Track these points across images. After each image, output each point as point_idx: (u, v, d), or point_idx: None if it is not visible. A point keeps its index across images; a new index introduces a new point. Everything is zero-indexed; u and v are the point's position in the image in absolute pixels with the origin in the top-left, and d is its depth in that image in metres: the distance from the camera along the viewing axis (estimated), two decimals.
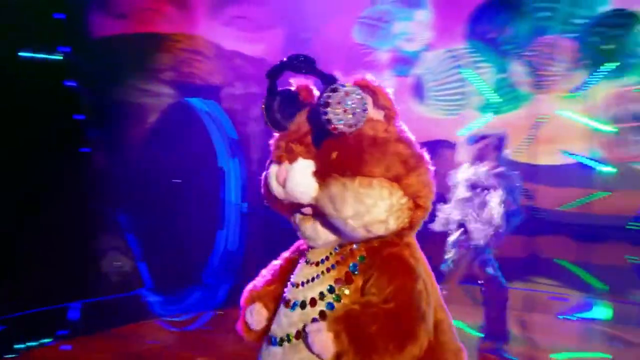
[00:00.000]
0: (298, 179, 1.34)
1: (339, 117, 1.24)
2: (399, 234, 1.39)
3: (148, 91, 7.02)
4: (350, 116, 1.24)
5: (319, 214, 1.38)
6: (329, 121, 1.24)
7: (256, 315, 1.55)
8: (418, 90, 7.28)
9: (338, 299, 1.36)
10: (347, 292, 1.36)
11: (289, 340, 1.38)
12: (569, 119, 6.62)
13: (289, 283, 1.50)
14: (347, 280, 1.37)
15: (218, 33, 7.25)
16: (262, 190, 1.53)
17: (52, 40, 5.86)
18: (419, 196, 1.36)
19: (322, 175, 1.33)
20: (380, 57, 7.83)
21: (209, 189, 7.45)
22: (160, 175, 6.76)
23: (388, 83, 1.47)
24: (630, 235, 5.96)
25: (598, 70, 6.30)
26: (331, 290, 1.38)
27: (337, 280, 1.38)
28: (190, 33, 7.12)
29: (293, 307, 1.42)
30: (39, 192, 5.42)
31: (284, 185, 1.36)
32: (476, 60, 6.75)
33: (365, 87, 1.33)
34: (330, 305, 1.36)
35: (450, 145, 7.57)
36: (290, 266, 1.61)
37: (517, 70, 6.79)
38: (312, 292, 1.40)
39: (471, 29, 7.07)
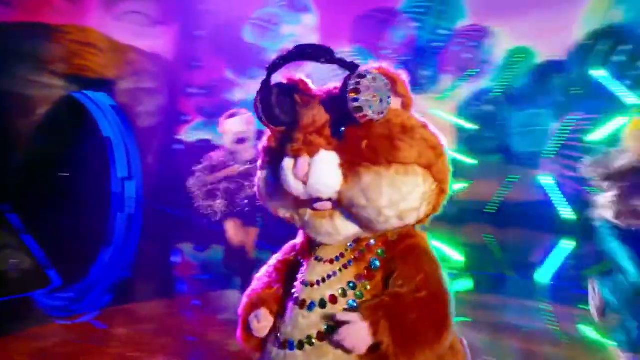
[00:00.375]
0: (323, 171, 1.24)
1: (369, 104, 1.17)
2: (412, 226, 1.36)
3: (37, 82, 6.79)
4: (379, 102, 1.19)
5: (341, 208, 1.30)
6: (359, 108, 1.17)
7: (263, 321, 1.41)
8: None
9: (361, 295, 1.30)
10: (368, 287, 1.30)
11: (310, 343, 1.28)
12: (440, 118, 7.51)
13: (298, 283, 1.40)
14: (369, 275, 1.31)
15: (111, 26, 7.19)
16: (257, 190, 1.43)
17: None
18: (445, 181, 1.33)
19: (351, 166, 1.25)
20: (270, 57, 8.03)
21: (99, 183, 7.40)
22: (49, 168, 6.65)
23: (403, 71, 1.40)
24: (487, 218, 7.01)
25: (461, 75, 7.24)
26: (353, 286, 1.31)
27: (357, 277, 1.32)
28: (82, 25, 7.00)
29: (311, 308, 1.32)
30: None
31: (305, 181, 1.25)
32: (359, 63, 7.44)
33: (384, 74, 1.25)
34: (353, 303, 1.29)
35: None
36: (286, 268, 1.52)
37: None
38: (330, 290, 1.32)
39: (354, 35, 7.76)
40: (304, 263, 1.43)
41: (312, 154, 1.23)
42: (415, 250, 1.32)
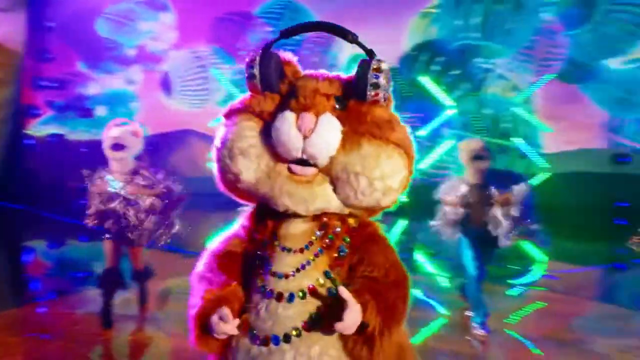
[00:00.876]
0: (328, 130, 1.26)
1: (384, 85, 1.27)
2: (368, 215, 1.43)
3: None
4: (389, 87, 1.30)
5: (325, 175, 1.30)
6: (376, 86, 1.26)
7: (231, 321, 1.33)
8: (165, 85, 8.16)
9: (335, 282, 1.33)
10: (340, 274, 1.35)
11: (298, 335, 1.29)
12: None
13: (268, 276, 1.36)
14: (339, 263, 1.36)
15: None
16: (223, 147, 1.38)
17: None
18: (409, 178, 1.40)
19: (353, 134, 1.29)
20: (128, 52, 8.47)
21: None
22: None
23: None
24: None
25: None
26: (327, 275, 1.34)
27: (330, 265, 1.35)
28: None
29: (291, 300, 1.31)
30: None
31: (307, 135, 1.25)
32: (216, 62, 8.09)
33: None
34: (333, 291, 1.31)
35: (198, 134, 8.78)
36: (234, 261, 1.45)
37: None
38: (307, 279, 1.32)
39: (212, 35, 8.26)
40: (265, 254, 1.37)
41: (318, 114, 1.25)
42: (377, 239, 1.39)
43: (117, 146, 3.83)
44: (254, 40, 8.37)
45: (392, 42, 8.90)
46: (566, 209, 7.80)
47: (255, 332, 1.29)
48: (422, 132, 8.02)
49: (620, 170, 8.06)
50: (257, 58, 1.28)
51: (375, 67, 1.24)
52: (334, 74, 1.35)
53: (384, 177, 1.26)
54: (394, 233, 7.23)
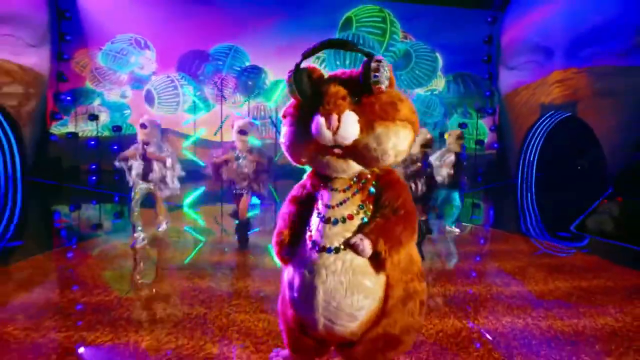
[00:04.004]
0: (349, 124, 1.54)
1: (384, 78, 1.53)
2: (389, 166, 1.73)
3: None
4: (387, 79, 1.56)
5: (353, 152, 1.61)
6: (378, 81, 1.53)
7: (284, 246, 1.79)
8: (149, 99, 10.32)
9: (367, 213, 1.70)
10: (371, 207, 1.71)
11: (340, 249, 1.65)
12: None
13: (322, 207, 1.73)
14: (370, 199, 1.71)
15: None
16: (288, 144, 1.72)
17: None
18: (415, 138, 1.70)
19: (368, 121, 1.57)
20: (122, 77, 10.65)
21: None
22: None
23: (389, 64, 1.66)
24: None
25: (249, 94, 10.85)
26: (362, 207, 1.70)
27: (363, 201, 1.71)
28: None
29: (335, 223, 1.68)
30: None
31: (335, 132, 1.54)
32: (183, 83, 10.40)
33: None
34: (365, 219, 1.68)
35: (172, 132, 10.70)
36: (299, 199, 1.86)
37: (207, 90, 10.83)
38: (347, 210, 1.69)
39: (180, 66, 10.70)
40: (322, 193, 1.76)
41: (340, 113, 1.53)
42: (394, 181, 1.73)
43: (242, 132, 4.48)
44: (208, 69, 10.57)
45: None
46: None
47: (315, 243, 1.69)
48: None
49: None
50: (292, 77, 1.61)
51: (374, 68, 1.53)
52: (347, 73, 1.64)
53: (395, 146, 1.60)
54: None
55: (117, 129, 9.91)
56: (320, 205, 1.74)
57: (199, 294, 3.28)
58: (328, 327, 1.69)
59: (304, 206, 1.82)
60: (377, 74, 1.53)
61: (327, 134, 1.55)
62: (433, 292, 3.32)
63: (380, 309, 1.69)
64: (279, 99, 10.93)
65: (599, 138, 9.60)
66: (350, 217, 1.69)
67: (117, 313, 2.89)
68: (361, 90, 1.58)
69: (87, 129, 10.84)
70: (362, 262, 1.64)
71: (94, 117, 10.11)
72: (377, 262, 1.65)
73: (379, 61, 1.54)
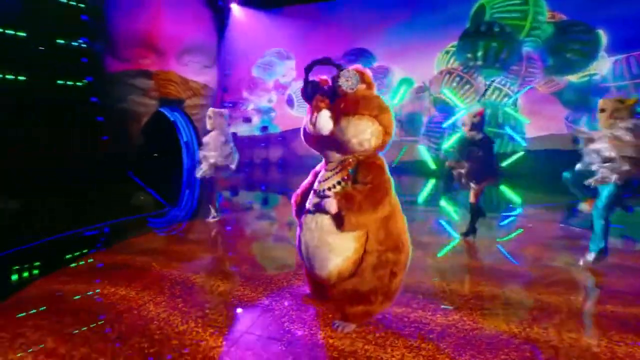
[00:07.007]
0: (322, 120, 1.94)
1: (346, 84, 1.90)
2: (374, 152, 2.02)
3: (141, 103, 9.49)
4: (350, 83, 1.92)
5: (330, 141, 1.97)
6: (340, 86, 1.92)
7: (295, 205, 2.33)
8: (290, 102, 11.40)
9: (344, 187, 2.06)
10: (349, 184, 2.05)
11: (314, 212, 2.06)
12: None
13: (317, 182, 2.17)
14: (348, 178, 2.03)
15: (183, 69, 10.17)
16: (302, 134, 2.16)
17: (82, 73, 8.05)
18: (388, 127, 1.98)
19: (336, 117, 1.95)
20: (269, 84, 11.86)
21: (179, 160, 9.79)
22: (149, 152, 9.15)
23: (367, 69, 2.07)
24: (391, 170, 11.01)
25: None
26: (339, 183, 2.07)
27: (343, 179, 2.05)
28: (166, 69, 9.82)
29: (320, 193, 2.09)
30: None
31: (314, 125, 1.97)
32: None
33: (357, 70, 2.00)
34: (339, 191, 2.07)
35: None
36: (314, 177, 2.36)
37: None
38: (328, 184, 2.10)
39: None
40: (321, 172, 2.22)
41: (318, 111, 1.96)
42: (370, 164, 2.02)
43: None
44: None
45: (427, 67, 11.05)
46: (540, 173, 8.74)
47: (308, 208, 2.17)
48: (445, 124, 10.05)
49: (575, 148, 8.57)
50: (303, 86, 2.06)
51: (338, 80, 1.95)
52: (330, 81, 2.05)
53: (356, 135, 1.96)
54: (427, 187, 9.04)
55: (264, 128, 11.23)
56: (317, 180, 2.27)
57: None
58: (309, 269, 2.23)
59: (310, 182, 2.41)
60: (339, 82, 2.02)
61: (310, 127, 2.10)
62: None
63: (353, 269, 2.13)
64: (403, 98, 11.08)
65: None
66: (329, 190, 2.13)
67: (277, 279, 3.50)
68: (335, 94, 2.06)
69: (241, 129, 12.08)
70: (328, 222, 2.08)
71: (248, 120, 11.58)
72: (338, 221, 2.05)
73: (341, 71, 2.02)
